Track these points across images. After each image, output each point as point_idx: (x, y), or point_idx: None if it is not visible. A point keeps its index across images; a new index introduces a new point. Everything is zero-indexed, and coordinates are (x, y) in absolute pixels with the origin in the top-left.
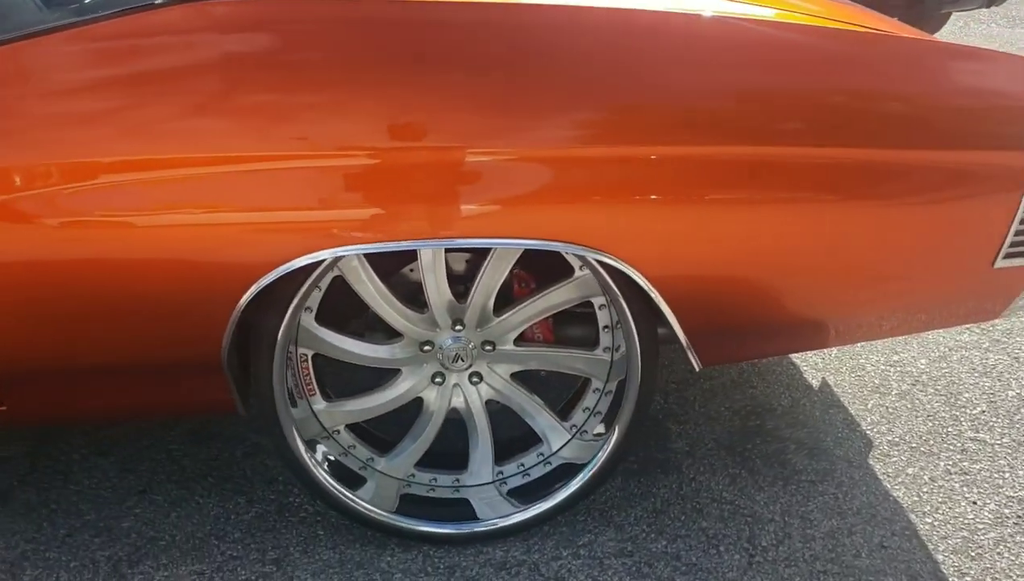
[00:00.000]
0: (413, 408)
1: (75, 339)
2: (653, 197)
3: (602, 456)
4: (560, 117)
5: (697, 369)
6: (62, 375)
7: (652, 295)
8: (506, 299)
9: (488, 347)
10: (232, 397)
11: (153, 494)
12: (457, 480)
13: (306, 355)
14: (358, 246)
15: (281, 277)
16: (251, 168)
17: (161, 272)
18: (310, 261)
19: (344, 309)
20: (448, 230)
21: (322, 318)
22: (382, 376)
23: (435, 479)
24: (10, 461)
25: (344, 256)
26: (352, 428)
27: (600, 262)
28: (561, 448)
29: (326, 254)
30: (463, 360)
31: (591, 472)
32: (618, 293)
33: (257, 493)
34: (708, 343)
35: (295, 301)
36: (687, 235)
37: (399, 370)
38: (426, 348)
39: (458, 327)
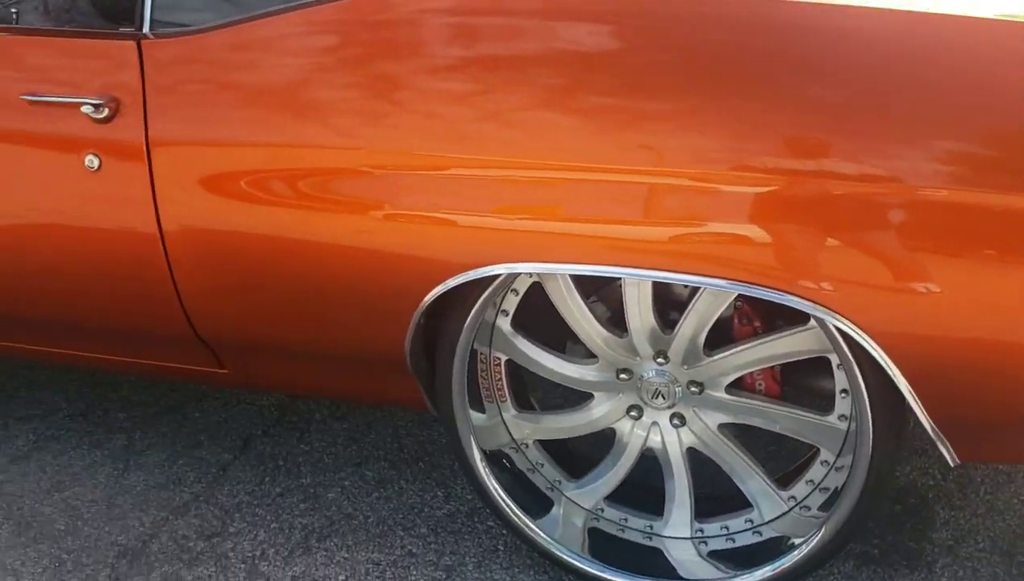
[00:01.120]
0: (610, 436)
1: (275, 317)
2: (899, 248)
3: (820, 538)
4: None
5: (952, 464)
6: (276, 350)
7: (890, 371)
8: (723, 336)
9: (695, 389)
10: (422, 397)
11: (365, 469)
12: (650, 526)
13: (499, 359)
14: (558, 266)
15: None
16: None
17: (358, 262)
18: (498, 273)
19: (547, 317)
20: (651, 261)
21: (524, 324)
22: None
23: (626, 519)
24: (263, 410)
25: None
26: (544, 446)
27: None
28: (774, 519)
29: (525, 268)
30: (664, 398)
31: (805, 553)
32: (851, 359)
33: (456, 490)
34: (965, 435)
35: (477, 305)
36: (943, 299)
37: (592, 395)
38: (623, 376)
39: (661, 360)
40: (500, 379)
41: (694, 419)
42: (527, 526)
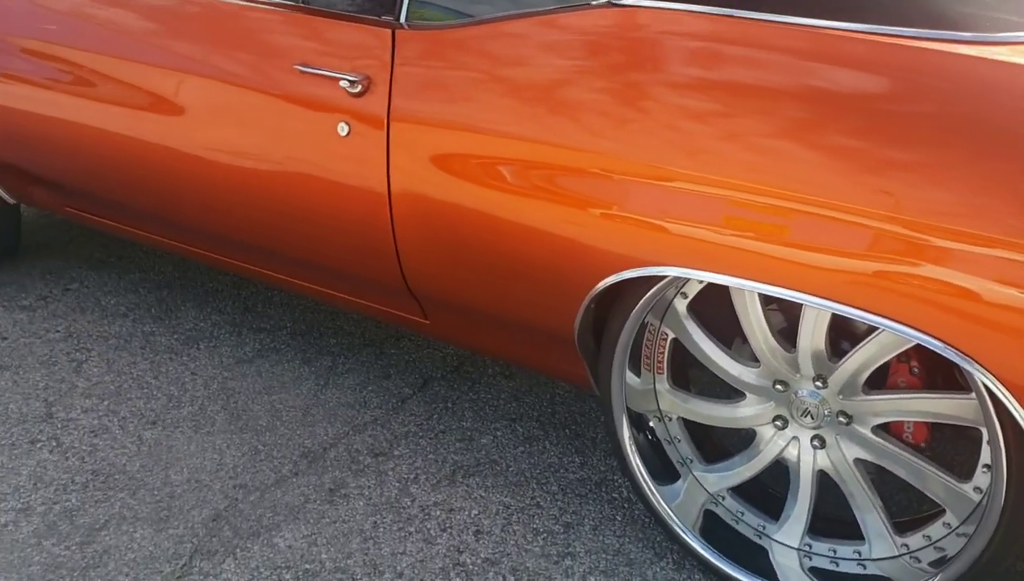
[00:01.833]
0: (750, 436)
1: (476, 282)
2: None
3: None
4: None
5: None
6: (471, 311)
7: None
8: (883, 377)
9: (843, 420)
10: (586, 374)
11: (518, 425)
12: (763, 526)
13: (667, 334)
14: (756, 284)
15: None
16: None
17: (547, 243)
18: (697, 278)
19: (722, 310)
20: (845, 295)
21: (698, 310)
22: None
23: (743, 513)
24: (445, 358)
25: (682, 290)
26: (686, 425)
27: (988, 387)
28: (882, 560)
29: (727, 281)
30: (812, 418)
31: None
32: (1001, 441)
33: (592, 460)
34: None
35: (657, 286)
36: None
37: (745, 394)
38: (779, 387)
39: (819, 383)
40: (663, 353)
41: (834, 446)
42: (650, 488)
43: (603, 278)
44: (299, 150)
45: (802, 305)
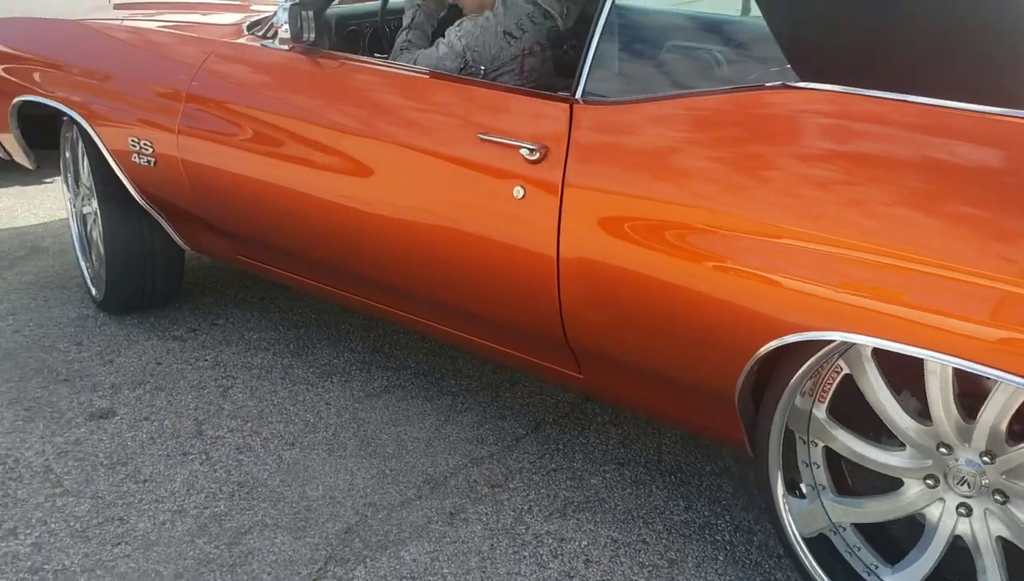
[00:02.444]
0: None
1: (639, 341)
2: None
3: None
4: None
5: None
6: (627, 368)
7: None
8: None
9: (999, 498)
10: (742, 435)
11: (626, 469)
12: (876, 566)
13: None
14: (868, 338)
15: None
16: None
17: (710, 307)
18: (831, 338)
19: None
20: (971, 352)
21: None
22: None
23: (859, 548)
24: (558, 404)
25: (855, 344)
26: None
27: None
28: None
29: (858, 339)
30: (968, 487)
31: None
32: None
33: (696, 505)
34: None
35: (805, 365)
36: None
37: (905, 445)
38: (942, 450)
39: (987, 458)
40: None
41: (980, 519)
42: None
43: (768, 341)
44: (475, 210)
45: (993, 380)
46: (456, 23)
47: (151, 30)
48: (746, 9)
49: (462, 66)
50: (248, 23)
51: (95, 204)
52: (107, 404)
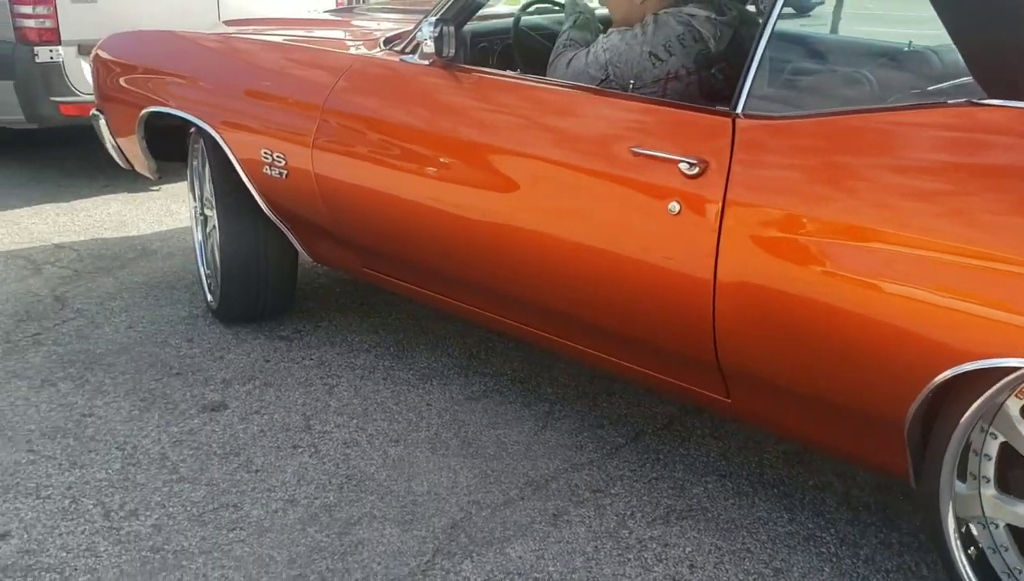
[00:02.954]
0: None
1: (799, 365)
2: None
3: None
4: None
5: None
6: (782, 391)
7: None
8: None
9: None
10: (907, 466)
11: (728, 480)
12: None
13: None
14: None
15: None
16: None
17: (882, 332)
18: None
19: None
20: None
21: None
22: None
23: None
24: (656, 416)
25: None
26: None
27: None
28: None
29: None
30: None
31: None
32: None
33: (800, 517)
34: None
35: (990, 391)
36: None
37: None
38: None
39: None
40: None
41: None
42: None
43: (947, 368)
44: (625, 227)
45: None
46: (606, 34)
47: (284, 44)
48: (834, 28)
49: (603, 78)
50: (384, 38)
51: (215, 215)
52: (219, 398)
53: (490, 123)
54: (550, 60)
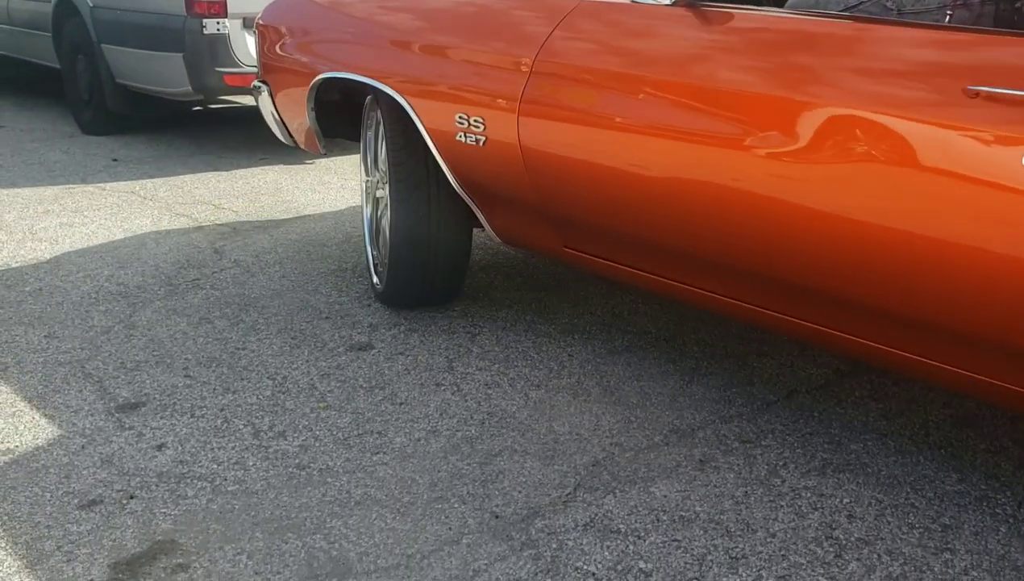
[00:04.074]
0: None
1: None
2: None
3: None
4: None
5: None
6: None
7: None
8: None
9: None
10: None
11: (888, 439)
12: None
13: None
14: None
15: None
16: None
17: None
18: None
19: None
20: None
21: None
22: None
23: None
24: (811, 376)
25: None
26: None
27: None
28: None
29: None
30: None
31: None
32: None
33: (971, 478)
34: None
35: None
36: None
37: None
38: None
39: None
40: None
41: None
42: None
43: None
44: (959, 190)
45: None
46: None
47: None
48: None
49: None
50: None
51: (387, 192)
52: (365, 339)
53: (765, 69)
54: None
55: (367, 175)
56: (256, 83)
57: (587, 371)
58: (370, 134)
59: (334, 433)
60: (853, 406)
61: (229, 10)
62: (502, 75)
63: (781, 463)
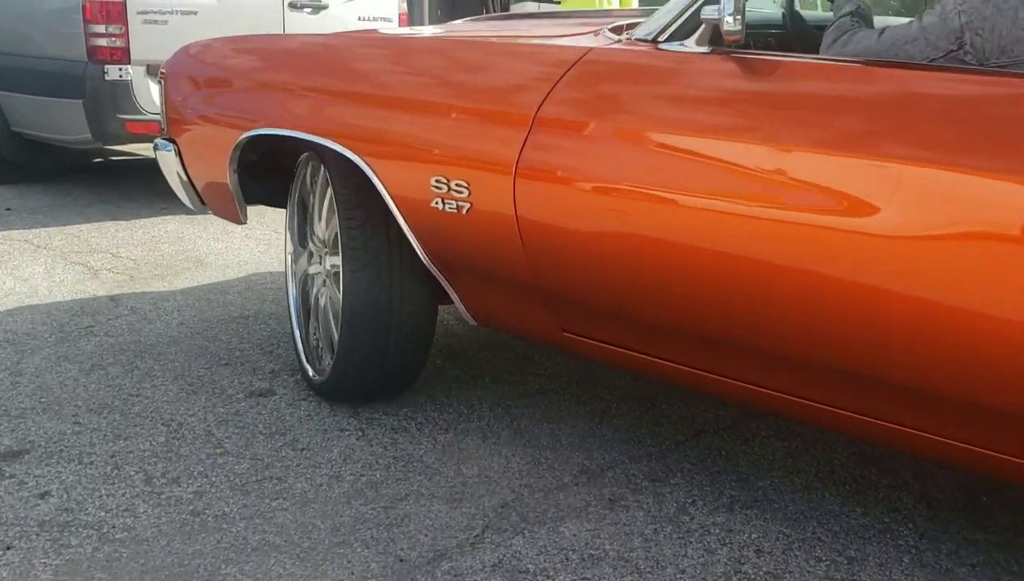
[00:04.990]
0: None
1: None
2: None
3: None
4: None
5: None
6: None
7: None
8: None
9: None
10: None
11: (794, 476)
12: None
13: None
14: None
15: None
16: None
17: None
18: None
19: None
20: None
21: None
22: None
23: None
24: (718, 417)
25: None
26: None
27: None
28: None
29: None
30: None
31: None
32: None
33: (875, 512)
34: None
35: None
36: None
37: None
38: None
39: None
40: None
41: None
42: None
43: None
44: None
45: None
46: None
47: (462, 40)
48: None
49: (952, 49)
50: (610, 27)
51: (328, 264)
52: (266, 385)
53: (822, 123)
54: (825, 44)
55: (297, 246)
56: (160, 140)
57: (497, 414)
58: (308, 197)
59: (231, 479)
60: (760, 445)
61: (132, 56)
62: (495, 130)
63: (690, 501)
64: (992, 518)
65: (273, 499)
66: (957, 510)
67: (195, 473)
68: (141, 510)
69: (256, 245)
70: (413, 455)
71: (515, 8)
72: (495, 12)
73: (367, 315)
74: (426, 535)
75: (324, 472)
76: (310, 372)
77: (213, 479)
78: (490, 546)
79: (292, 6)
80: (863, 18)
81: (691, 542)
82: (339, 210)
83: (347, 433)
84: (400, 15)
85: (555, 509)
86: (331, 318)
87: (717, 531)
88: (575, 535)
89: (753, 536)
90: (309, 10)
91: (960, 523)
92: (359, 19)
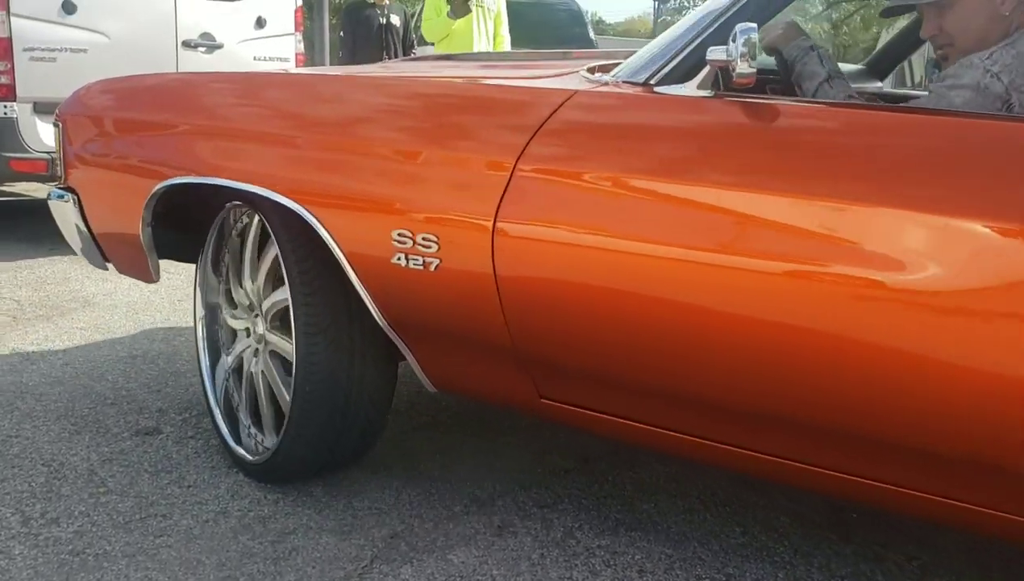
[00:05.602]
0: None
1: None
2: None
3: None
4: None
5: None
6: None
7: None
8: None
9: None
10: None
11: (677, 499)
12: None
13: None
14: None
15: None
16: None
17: None
18: None
19: None
20: None
21: None
22: None
23: None
24: (603, 442)
25: None
26: None
27: None
28: None
29: None
30: None
31: None
32: None
33: (753, 531)
34: None
35: None
36: None
37: None
38: None
39: None
40: None
41: None
42: None
43: None
44: None
45: None
46: (964, 63)
47: (422, 80)
48: None
49: (998, 108)
50: (590, 66)
51: (261, 330)
52: (153, 424)
53: (848, 174)
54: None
55: (218, 310)
56: (55, 189)
57: (388, 448)
58: (243, 256)
59: (114, 518)
60: (644, 469)
61: (18, 94)
62: (468, 179)
63: (577, 525)
64: (859, 533)
65: (157, 536)
66: (828, 527)
67: (76, 513)
68: (17, 552)
69: (145, 286)
70: (303, 490)
71: (418, 52)
72: (395, 57)
73: (324, 390)
74: (314, 567)
75: (211, 508)
76: (239, 451)
77: (95, 518)
78: (378, 575)
79: (186, 44)
80: (840, 80)
81: (576, 565)
82: (289, 275)
83: (235, 470)
84: (297, 56)
85: (444, 538)
86: (261, 391)
87: (602, 553)
88: (463, 562)
89: (637, 557)
90: (203, 49)
91: (831, 539)
92: (254, 59)
